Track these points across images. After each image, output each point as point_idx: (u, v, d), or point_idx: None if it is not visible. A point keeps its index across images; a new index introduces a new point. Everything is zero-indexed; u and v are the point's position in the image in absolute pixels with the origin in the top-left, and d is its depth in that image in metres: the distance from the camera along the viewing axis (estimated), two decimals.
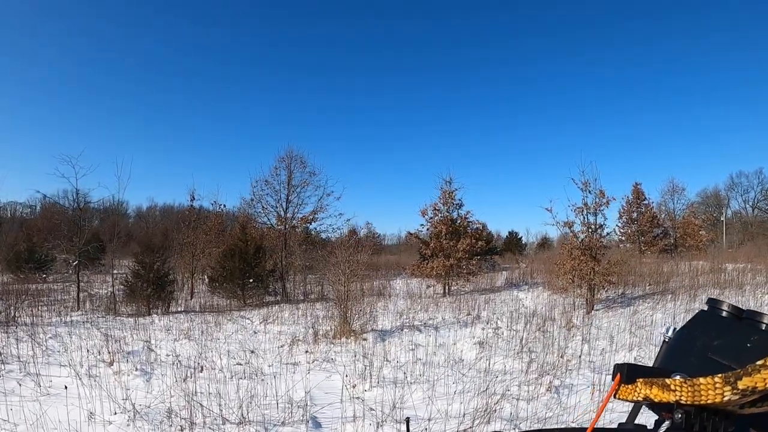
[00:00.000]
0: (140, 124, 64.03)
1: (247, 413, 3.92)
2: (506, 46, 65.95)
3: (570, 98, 65.94)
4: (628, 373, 0.45)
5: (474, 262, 13.26)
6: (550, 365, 5.58)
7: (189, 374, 5.08)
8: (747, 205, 34.05)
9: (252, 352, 6.32)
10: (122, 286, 9.41)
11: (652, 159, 55.64)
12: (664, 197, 23.92)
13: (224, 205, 15.83)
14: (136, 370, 5.16)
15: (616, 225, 21.26)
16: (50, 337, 6.37)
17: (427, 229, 13.51)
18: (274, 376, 5.00)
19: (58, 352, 5.74)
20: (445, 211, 13.25)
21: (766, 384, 0.37)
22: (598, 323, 8.57)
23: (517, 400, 4.28)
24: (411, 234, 14.16)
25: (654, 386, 0.44)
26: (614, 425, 0.52)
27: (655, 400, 0.43)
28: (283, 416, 3.93)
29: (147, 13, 58.51)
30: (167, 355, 5.91)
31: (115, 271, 11.28)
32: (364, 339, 6.93)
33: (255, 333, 7.54)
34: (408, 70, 68.08)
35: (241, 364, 5.69)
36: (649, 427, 0.49)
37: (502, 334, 7.53)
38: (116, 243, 10.32)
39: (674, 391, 0.42)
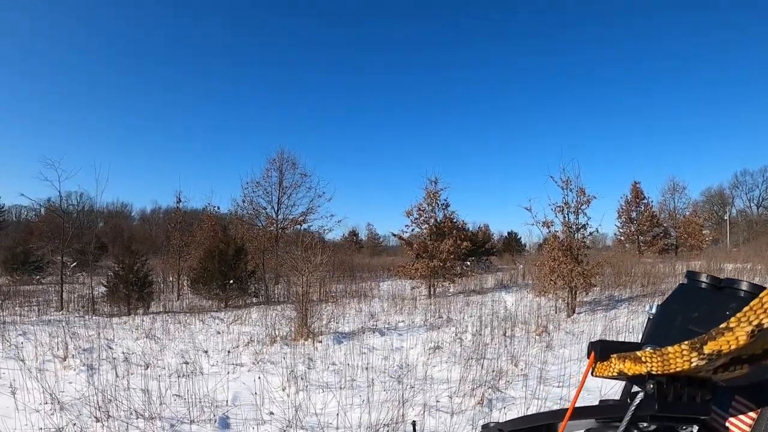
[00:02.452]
0: (145, 126, 65.92)
1: (161, 410, 4.04)
2: (513, 46, 65.00)
3: (572, 97, 64.82)
4: (601, 351, 0.46)
5: (459, 263, 13.08)
6: (497, 374, 5.44)
7: (132, 371, 5.26)
8: (752, 204, 33.50)
9: (205, 352, 6.48)
10: (103, 287, 9.82)
11: (654, 158, 54.66)
12: (665, 196, 23.43)
13: (218, 207, 16.27)
14: (83, 365, 5.39)
15: (615, 224, 20.58)
16: (20, 334, 6.71)
17: (412, 230, 13.45)
18: (206, 375, 5.12)
19: (21, 347, 6.04)
20: (430, 211, 13.15)
21: (730, 346, 0.36)
22: (572, 328, 8.33)
23: (440, 412, 4.21)
24: (395, 235, 14.14)
25: (627, 360, 0.44)
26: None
27: (629, 373, 0.44)
28: (195, 414, 4.02)
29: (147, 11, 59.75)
30: (122, 353, 6.13)
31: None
32: (319, 341, 6.98)
33: (218, 333, 7.73)
34: (415, 68, 67.74)
35: (188, 363, 5.85)
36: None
37: (465, 338, 7.42)
38: (93, 246, 10.75)
39: (645, 362, 0.42)
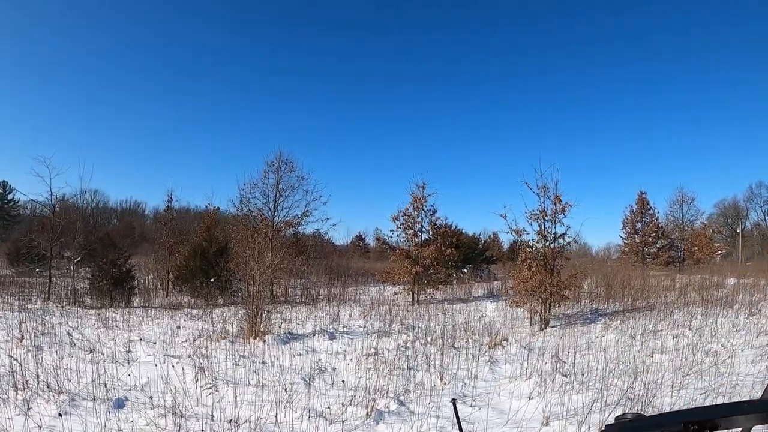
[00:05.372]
0: (157, 126, 69.53)
1: (72, 387, 4.55)
2: (524, 51, 64.32)
3: (587, 104, 63.30)
4: None
5: (443, 269, 13.05)
6: (415, 386, 5.49)
7: (74, 354, 5.87)
8: (766, 217, 33.04)
9: (154, 343, 7.03)
10: (87, 280, 10.78)
11: (667, 169, 53.22)
12: (673, 207, 22.64)
13: (218, 207, 17.20)
14: (33, 347, 6.05)
15: (620, 235, 19.74)
16: None
17: (398, 235, 13.59)
18: (138, 362, 5.63)
19: None
20: (416, 216, 13.24)
21: None
22: (533, 342, 8.20)
23: (321, 418, 4.36)
24: (378, 239, 14.32)
25: None
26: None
27: None
28: (98, 393, 4.49)
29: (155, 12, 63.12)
30: (75, 338, 6.80)
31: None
32: (263, 341, 7.33)
33: (178, 328, 8.28)
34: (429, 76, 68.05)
35: (129, 351, 6.40)
36: None
37: (411, 346, 7.49)
38: (77, 240, 11.79)
39: None
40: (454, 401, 0.92)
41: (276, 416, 4.17)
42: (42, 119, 62.45)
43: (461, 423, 0.81)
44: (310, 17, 68.14)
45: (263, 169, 16.72)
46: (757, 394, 4.41)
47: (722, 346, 6.85)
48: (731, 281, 11.32)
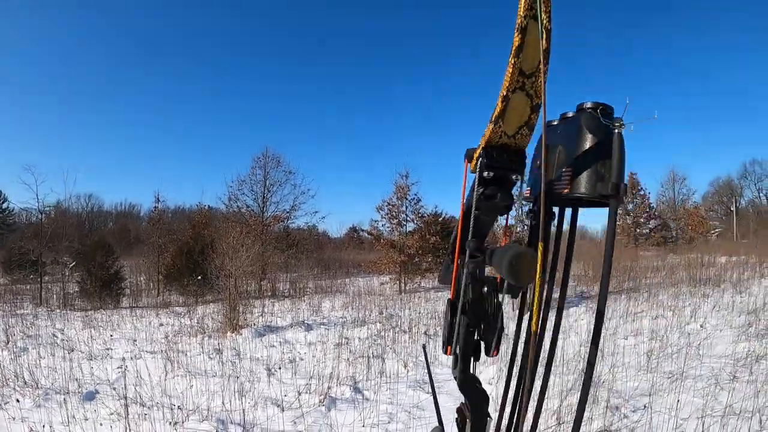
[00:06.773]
0: (150, 128, 70.08)
1: (47, 382, 5.03)
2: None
3: (589, 88, 62.70)
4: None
5: (429, 257, 13.36)
6: (377, 373, 5.81)
7: (55, 353, 6.37)
8: (761, 195, 34.20)
9: (134, 341, 7.53)
10: (77, 283, 11.37)
11: (661, 148, 53.40)
12: (665, 187, 23.27)
13: (208, 206, 17.73)
14: (17, 347, 6.56)
15: None
16: None
17: (383, 225, 13.92)
18: (113, 359, 6.11)
19: None
20: (400, 206, 13.52)
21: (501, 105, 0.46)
22: (511, 327, 8.41)
23: (273, 405, 4.71)
24: (363, 230, 14.64)
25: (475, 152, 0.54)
26: None
27: (475, 155, 0.53)
28: (71, 387, 4.96)
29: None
30: (61, 340, 7.31)
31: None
32: (240, 334, 7.77)
33: (161, 325, 8.77)
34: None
35: (110, 349, 6.90)
36: None
37: (384, 335, 7.84)
38: (70, 245, 12.37)
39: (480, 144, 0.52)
40: (424, 346, 0.99)
41: (222, 403, 4.56)
42: (33, 125, 63.76)
43: (431, 367, 0.88)
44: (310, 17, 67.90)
45: (251, 165, 17.16)
46: (728, 381, 4.56)
47: (701, 326, 7.03)
48: (723, 260, 11.40)
